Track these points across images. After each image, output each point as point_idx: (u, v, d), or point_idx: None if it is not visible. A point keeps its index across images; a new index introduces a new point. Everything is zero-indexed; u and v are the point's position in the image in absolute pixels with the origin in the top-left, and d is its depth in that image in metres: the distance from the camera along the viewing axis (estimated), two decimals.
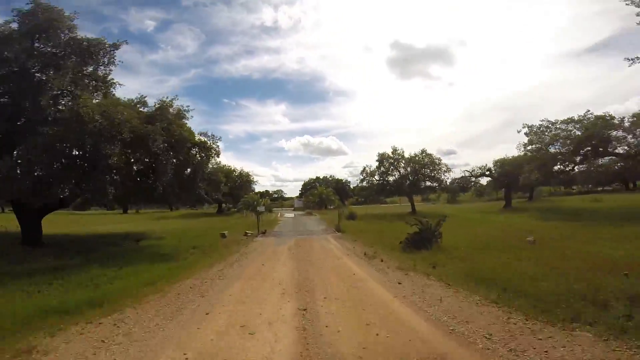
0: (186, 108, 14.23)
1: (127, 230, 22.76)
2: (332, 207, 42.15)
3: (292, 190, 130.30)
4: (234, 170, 49.02)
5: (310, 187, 61.91)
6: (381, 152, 32.98)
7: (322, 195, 43.52)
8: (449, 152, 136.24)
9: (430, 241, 11.64)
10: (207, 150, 15.73)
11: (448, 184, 32.16)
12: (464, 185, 34.69)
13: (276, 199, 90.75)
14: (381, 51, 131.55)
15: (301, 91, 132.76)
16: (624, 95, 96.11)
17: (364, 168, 33.64)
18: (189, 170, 15.21)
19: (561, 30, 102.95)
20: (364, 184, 34.23)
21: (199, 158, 15.71)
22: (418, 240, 11.69)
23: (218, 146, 15.76)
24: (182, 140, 13.18)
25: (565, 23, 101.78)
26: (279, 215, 38.72)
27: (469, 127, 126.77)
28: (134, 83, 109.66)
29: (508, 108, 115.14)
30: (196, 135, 15.05)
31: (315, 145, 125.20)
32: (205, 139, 15.11)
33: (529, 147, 24.66)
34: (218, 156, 16.04)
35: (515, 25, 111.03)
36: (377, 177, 33.96)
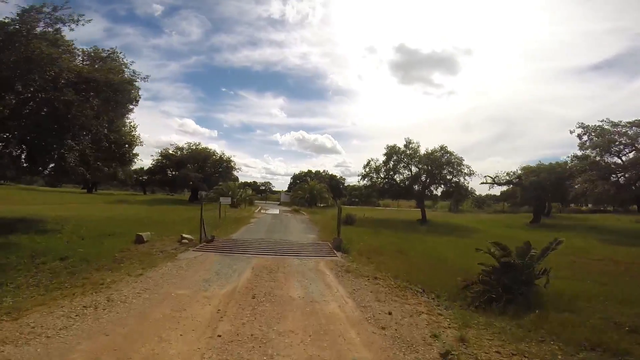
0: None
1: (34, 214, 16.08)
2: (322, 205, 35.93)
3: (282, 184, 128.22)
4: (213, 153, 42.30)
5: (300, 181, 54.99)
6: (390, 144, 26.75)
7: (313, 190, 36.96)
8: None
9: (528, 287, 5.61)
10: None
11: (469, 189, 26.02)
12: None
13: (263, 192, 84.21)
14: (385, 54, 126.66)
15: (301, 87, 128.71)
16: (620, 115, 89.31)
17: (369, 162, 27.30)
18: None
19: (567, 45, 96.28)
20: (365, 181, 27.96)
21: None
22: (504, 283, 5.59)
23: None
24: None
25: (573, 39, 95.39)
26: (258, 209, 32.22)
27: (463, 137, 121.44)
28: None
29: (502, 120, 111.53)
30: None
31: (310, 141, 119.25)
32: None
33: (587, 152, 18.69)
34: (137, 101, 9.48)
35: (522, 37, 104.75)
36: (382, 175, 27.81)
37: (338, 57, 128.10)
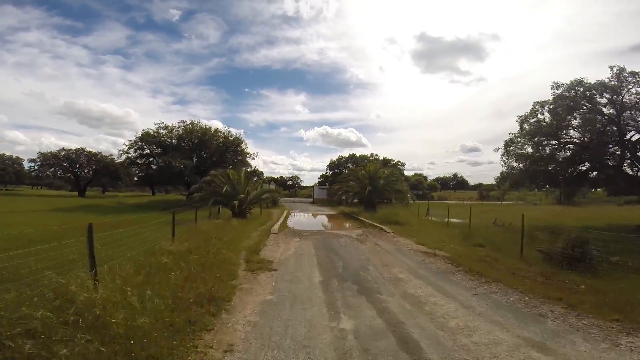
0: None
1: None
2: (389, 201, 21.15)
3: (309, 180, 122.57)
4: (215, 133, 28.80)
5: (339, 170, 40.02)
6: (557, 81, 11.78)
7: (377, 178, 21.36)
8: (472, 150, 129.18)
9: None
10: None
11: None
12: None
13: (291, 187, 70.76)
14: (406, 44, 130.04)
15: (321, 82, 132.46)
16: None
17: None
18: None
19: (604, 26, 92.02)
20: (512, 161, 13.24)
21: None
22: None
23: None
24: None
25: (609, 19, 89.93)
26: (282, 217, 18.09)
27: (497, 124, 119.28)
28: (159, 72, 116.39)
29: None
30: None
31: (334, 136, 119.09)
32: None
33: None
34: None
35: (553, 20, 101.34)
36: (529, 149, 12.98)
37: (357, 50, 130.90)
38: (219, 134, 28.75)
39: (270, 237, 10.65)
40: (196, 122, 28.40)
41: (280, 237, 10.93)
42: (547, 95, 14.66)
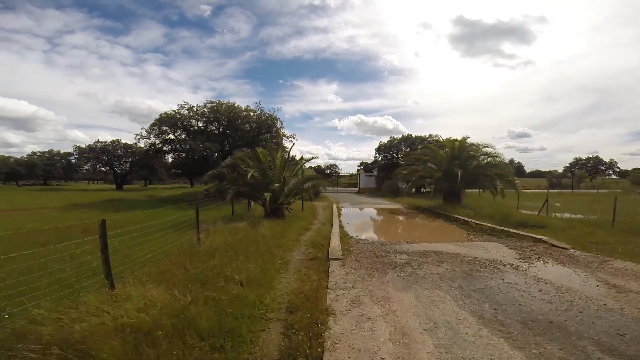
0: None
1: None
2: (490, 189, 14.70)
3: (345, 169, 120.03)
4: (244, 111, 24.04)
5: (390, 154, 33.60)
6: None
7: (465, 158, 14.58)
8: (521, 135, 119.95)
9: None
10: None
11: None
12: None
13: (329, 176, 65.54)
14: (442, 27, 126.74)
15: (352, 70, 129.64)
16: None
17: None
18: None
19: None
20: None
21: None
22: None
23: None
24: None
25: None
26: (334, 216, 12.76)
27: (547, 109, 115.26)
28: (196, 68, 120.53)
29: (595, 90, 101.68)
30: None
31: (369, 124, 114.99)
32: None
33: None
34: None
35: (607, 1, 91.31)
36: None
37: (388, 36, 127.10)
38: (251, 114, 24.06)
39: (334, 275, 4.96)
40: (224, 101, 23.84)
41: (354, 272, 5.19)
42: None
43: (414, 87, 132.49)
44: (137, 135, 23.77)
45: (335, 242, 7.02)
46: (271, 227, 8.24)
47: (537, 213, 11.59)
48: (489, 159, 14.50)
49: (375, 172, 37.35)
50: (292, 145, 12.78)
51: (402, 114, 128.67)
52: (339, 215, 13.36)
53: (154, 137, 23.37)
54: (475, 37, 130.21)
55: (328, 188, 40.16)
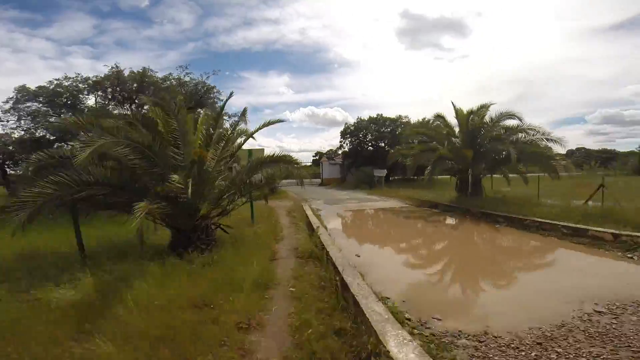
0: None
1: None
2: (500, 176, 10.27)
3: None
4: (147, 74, 16.68)
5: (355, 139, 28.46)
6: None
7: (487, 130, 10.72)
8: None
9: None
10: None
11: None
12: None
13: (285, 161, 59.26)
14: (389, 21, 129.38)
15: (304, 62, 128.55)
16: None
17: None
18: None
19: (586, 3, 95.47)
20: None
21: None
22: None
23: None
24: None
25: None
26: (319, 235, 7.00)
27: (481, 100, 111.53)
28: (133, 59, 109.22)
29: (521, 81, 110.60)
30: None
31: (320, 116, 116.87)
32: None
33: None
34: None
35: None
36: None
37: (339, 28, 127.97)
38: (174, 82, 16.94)
39: None
40: (131, 69, 16.14)
41: None
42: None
43: (362, 79, 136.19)
44: None
45: None
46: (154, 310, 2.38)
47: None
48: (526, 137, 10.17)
49: (338, 160, 32.35)
50: (228, 98, 6.89)
51: (350, 106, 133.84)
52: (326, 227, 7.77)
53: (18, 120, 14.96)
54: (419, 30, 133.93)
55: (283, 180, 34.23)
